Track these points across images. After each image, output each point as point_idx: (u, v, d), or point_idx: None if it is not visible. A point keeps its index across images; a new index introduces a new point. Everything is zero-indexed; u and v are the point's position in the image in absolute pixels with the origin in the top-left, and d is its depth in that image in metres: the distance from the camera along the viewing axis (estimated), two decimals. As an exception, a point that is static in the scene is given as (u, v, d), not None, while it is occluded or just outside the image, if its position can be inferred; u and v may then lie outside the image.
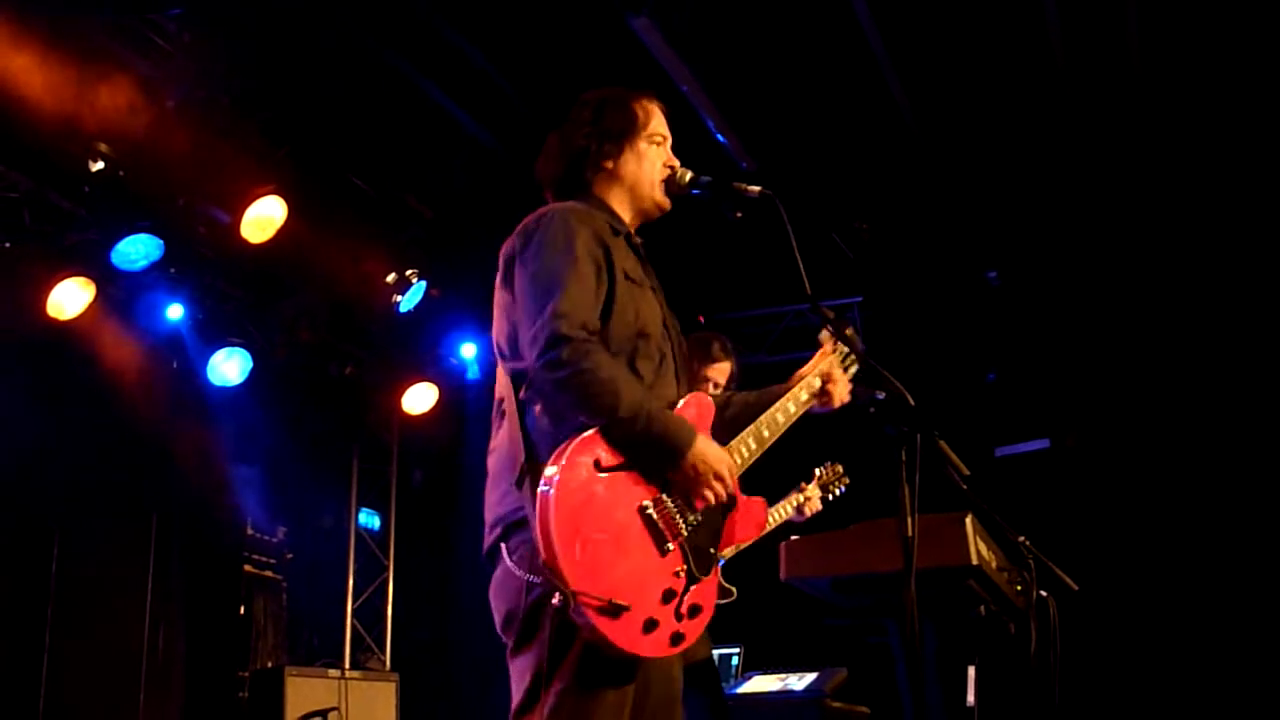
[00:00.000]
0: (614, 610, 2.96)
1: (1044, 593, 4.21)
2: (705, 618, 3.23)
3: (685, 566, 3.17)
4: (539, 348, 3.14)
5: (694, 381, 5.41)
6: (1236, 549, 8.49)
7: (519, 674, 3.15)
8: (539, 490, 3.00)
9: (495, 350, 3.44)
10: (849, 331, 3.77)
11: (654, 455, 3.17)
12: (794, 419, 3.68)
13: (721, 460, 3.25)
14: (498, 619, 3.24)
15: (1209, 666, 8.34)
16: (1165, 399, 9.13)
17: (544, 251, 3.30)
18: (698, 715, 5.14)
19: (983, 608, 4.14)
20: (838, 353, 3.88)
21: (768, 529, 5.70)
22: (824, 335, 3.86)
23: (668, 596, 3.10)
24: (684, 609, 3.14)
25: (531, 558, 3.06)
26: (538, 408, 3.22)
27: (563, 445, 3.07)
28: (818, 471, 6.13)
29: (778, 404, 3.67)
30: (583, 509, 3.01)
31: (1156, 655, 8.50)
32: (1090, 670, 8.18)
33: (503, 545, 3.18)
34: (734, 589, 5.80)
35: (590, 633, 2.96)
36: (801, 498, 6.01)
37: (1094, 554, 8.25)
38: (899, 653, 4.13)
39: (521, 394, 3.27)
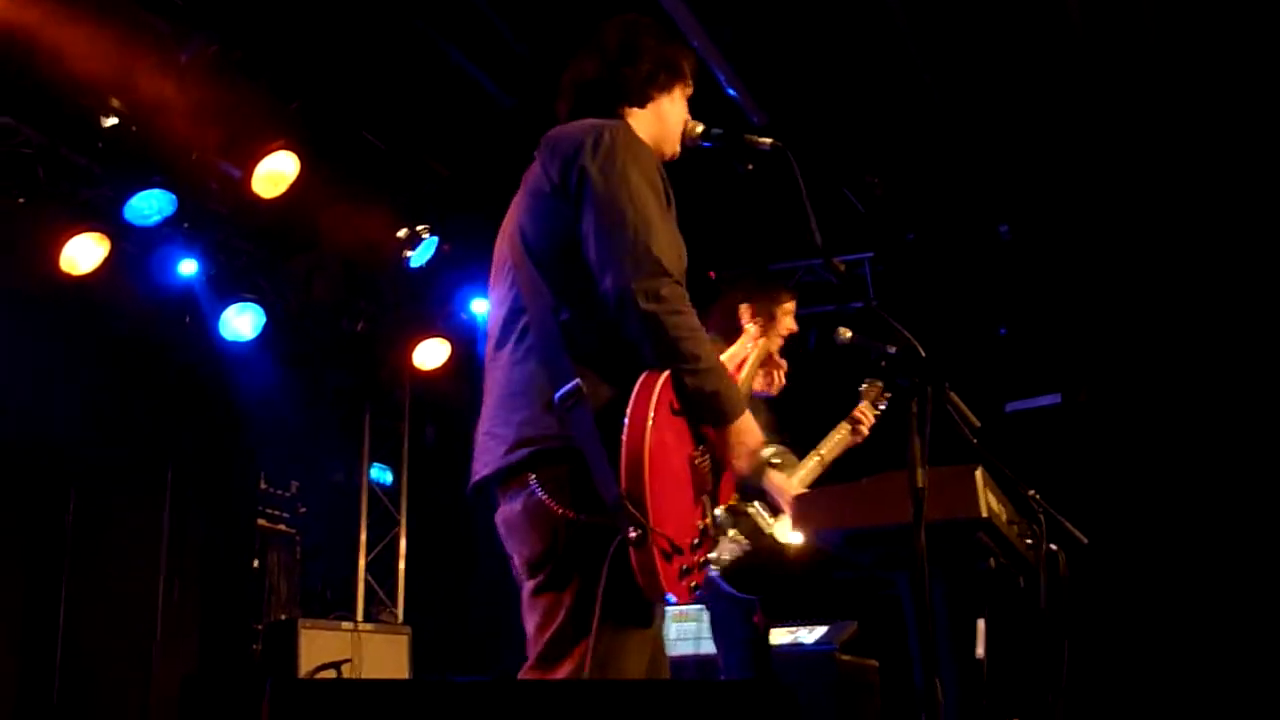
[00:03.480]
0: (671, 554, 2.94)
1: (1054, 546, 4.23)
2: (705, 571, 3.25)
3: (706, 520, 3.20)
4: (638, 274, 3.02)
5: (770, 324, 5.44)
6: (1248, 504, 8.50)
7: (548, 610, 3.08)
8: (629, 425, 2.93)
9: (530, 262, 3.26)
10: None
11: (707, 413, 3.15)
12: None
13: (757, 438, 3.24)
14: (525, 552, 3.15)
15: (1219, 621, 8.36)
16: (1177, 354, 9.12)
17: (630, 174, 3.17)
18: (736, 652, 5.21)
19: (992, 561, 4.16)
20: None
21: (825, 462, 5.73)
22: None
23: (695, 546, 3.10)
24: (700, 559, 3.14)
25: (569, 491, 3.02)
26: (595, 330, 3.12)
27: (648, 379, 3.00)
28: (864, 389, 6.11)
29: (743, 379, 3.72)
30: (661, 450, 2.97)
31: (1166, 609, 8.53)
32: (1099, 624, 8.21)
33: (531, 475, 3.09)
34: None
35: (645, 573, 2.90)
36: (857, 418, 5.98)
37: (1104, 508, 8.26)
38: (909, 606, 4.16)
39: (566, 314, 3.15)
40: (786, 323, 5.57)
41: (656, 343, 3.02)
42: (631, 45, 3.52)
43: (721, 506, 3.39)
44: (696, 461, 3.16)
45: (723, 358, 3.79)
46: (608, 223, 3.10)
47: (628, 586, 2.95)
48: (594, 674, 2.97)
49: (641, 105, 3.52)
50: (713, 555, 5.07)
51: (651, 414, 2.92)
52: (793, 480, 5.32)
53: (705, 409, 3.13)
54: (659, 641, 3.31)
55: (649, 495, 2.87)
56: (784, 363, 3.86)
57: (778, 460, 5.62)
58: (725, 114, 7.98)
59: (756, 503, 5.26)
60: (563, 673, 3.01)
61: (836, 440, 5.89)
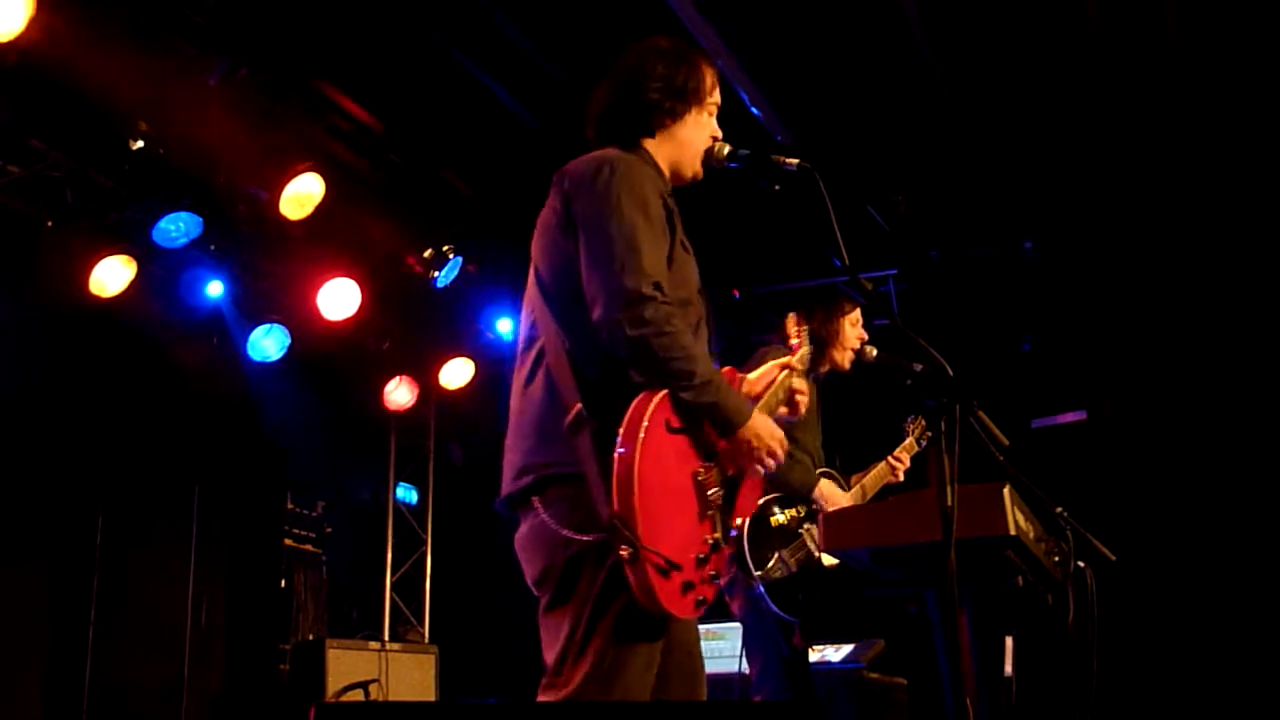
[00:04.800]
0: (668, 570, 2.99)
1: (1081, 564, 4.23)
2: (720, 585, 3.29)
3: (716, 535, 3.23)
4: (621, 302, 3.11)
5: (833, 339, 5.46)
6: (1276, 520, 8.46)
7: (555, 628, 3.17)
8: (620, 446, 2.99)
9: (540, 293, 3.39)
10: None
11: (713, 424, 3.22)
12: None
13: (775, 435, 3.32)
14: (531, 572, 3.25)
15: (1247, 637, 8.32)
16: (1202, 369, 9.09)
17: (622, 203, 3.25)
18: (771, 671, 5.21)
19: (1020, 579, 4.16)
20: (799, 362, 3.96)
21: (866, 493, 5.80)
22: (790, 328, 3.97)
23: (701, 562, 3.15)
24: (708, 574, 3.18)
25: (572, 512, 3.11)
26: (597, 359, 3.19)
27: (641, 402, 3.07)
28: (909, 425, 6.16)
29: (766, 399, 3.71)
30: (656, 468, 3.03)
31: (1193, 626, 8.49)
32: (1127, 641, 8.18)
33: (535, 498, 3.20)
34: None
35: (642, 590, 2.97)
36: (894, 464, 6.03)
37: (1131, 525, 8.23)
38: (938, 623, 4.16)
39: (569, 344, 3.25)
40: (855, 333, 5.59)
41: (647, 366, 3.11)
42: (640, 75, 3.57)
43: (747, 519, 3.43)
44: (700, 478, 3.20)
45: (750, 376, 3.81)
46: (594, 256, 3.21)
47: (629, 602, 3.03)
48: (596, 689, 3.04)
49: (655, 133, 3.58)
50: (758, 573, 5.09)
51: (642, 435, 2.99)
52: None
53: (709, 421, 3.22)
54: (692, 659, 3.36)
55: (639, 513, 2.93)
56: (806, 389, 3.86)
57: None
58: (750, 134, 8.00)
59: (811, 526, 5.27)
60: (566, 691, 3.08)
61: (876, 473, 5.94)
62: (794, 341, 4.08)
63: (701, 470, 3.21)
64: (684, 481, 3.16)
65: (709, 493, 3.22)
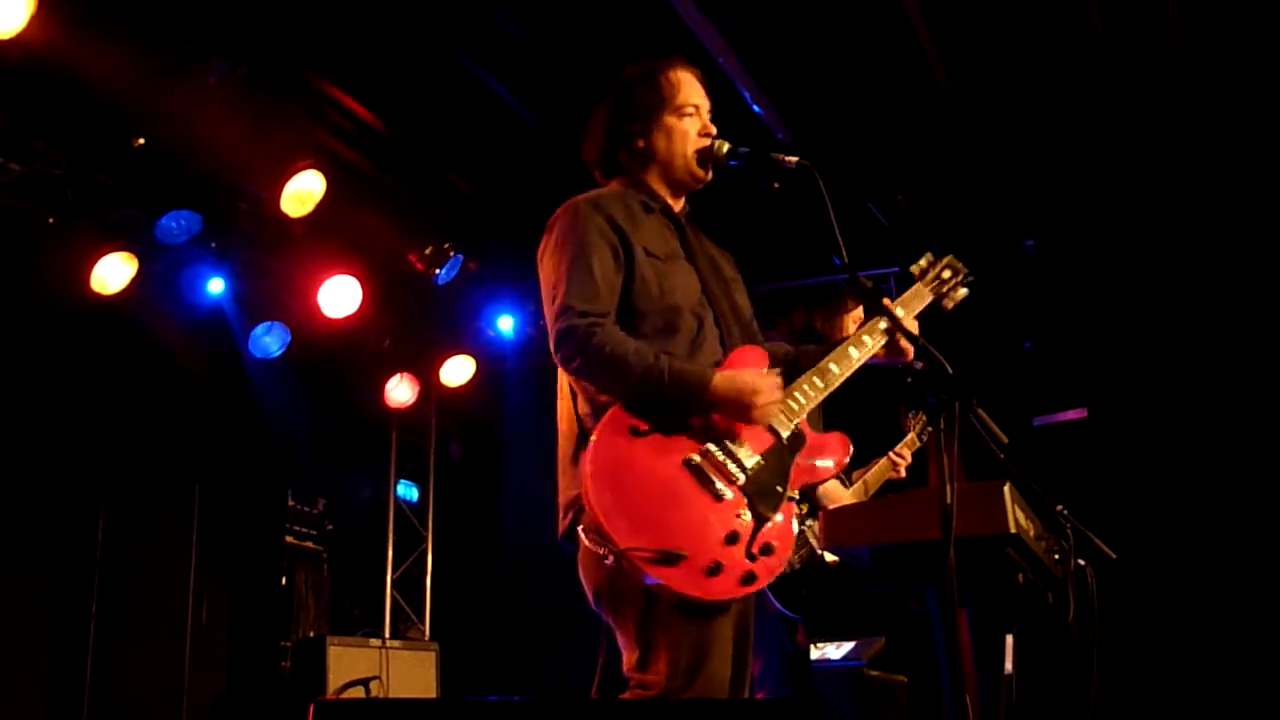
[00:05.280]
0: (669, 559, 3.08)
1: (1082, 561, 4.22)
2: (781, 556, 3.33)
3: (748, 509, 3.27)
4: (557, 344, 3.34)
5: (835, 335, 5.46)
6: (1276, 520, 8.45)
7: (626, 640, 3.29)
8: (582, 464, 3.18)
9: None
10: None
11: (683, 406, 3.30)
12: (862, 360, 3.75)
13: (749, 381, 3.35)
14: (589, 595, 3.40)
15: (1248, 636, 8.31)
16: (1203, 367, 9.07)
17: (555, 249, 3.47)
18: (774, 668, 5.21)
19: (1021, 576, 4.15)
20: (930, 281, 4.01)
21: (869, 489, 5.83)
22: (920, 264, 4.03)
23: (731, 539, 3.21)
24: (755, 549, 3.24)
25: (599, 534, 3.20)
26: (578, 394, 3.42)
27: (597, 427, 3.24)
28: (910, 419, 6.18)
29: (847, 341, 3.75)
30: (622, 472, 3.16)
31: (1194, 624, 8.48)
32: (1128, 639, 8.17)
33: (579, 527, 3.31)
34: None
35: (656, 586, 3.09)
36: (895, 460, 6.07)
37: (1132, 523, 8.22)
38: (937, 621, 4.15)
39: (571, 386, 3.47)
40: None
41: (601, 386, 3.34)
42: (603, 116, 3.77)
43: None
44: (696, 462, 3.26)
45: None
46: (544, 306, 3.48)
47: (668, 601, 3.16)
48: (676, 685, 3.14)
49: (633, 159, 3.73)
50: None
51: (592, 449, 3.20)
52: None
53: (677, 408, 3.30)
54: (745, 638, 3.44)
55: (610, 521, 3.10)
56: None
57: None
58: (751, 132, 7.99)
59: (813, 522, 5.27)
60: (651, 694, 3.19)
61: (878, 469, 5.96)
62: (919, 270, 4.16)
63: (697, 455, 3.26)
64: (672, 473, 3.22)
65: (719, 472, 3.27)
